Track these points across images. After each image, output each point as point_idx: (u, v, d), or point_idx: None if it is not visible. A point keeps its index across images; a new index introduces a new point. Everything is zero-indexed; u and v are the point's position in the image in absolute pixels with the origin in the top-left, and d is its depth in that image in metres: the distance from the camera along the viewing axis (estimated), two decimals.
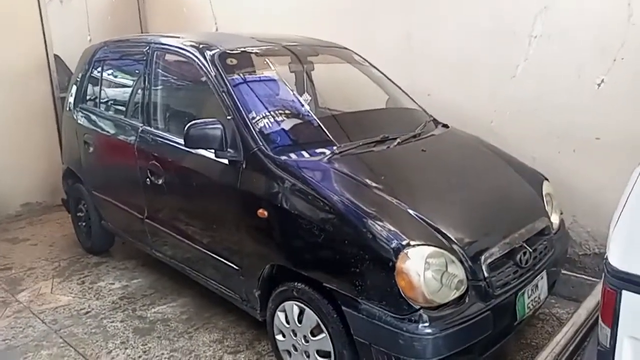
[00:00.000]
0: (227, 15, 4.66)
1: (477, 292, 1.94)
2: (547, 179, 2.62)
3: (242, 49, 2.77)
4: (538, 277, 2.21)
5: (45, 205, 4.86)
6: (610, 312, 1.27)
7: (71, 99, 3.79)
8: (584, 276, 3.00)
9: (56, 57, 4.86)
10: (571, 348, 1.82)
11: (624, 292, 1.24)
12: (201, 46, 2.70)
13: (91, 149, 3.47)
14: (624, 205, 1.31)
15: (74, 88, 3.79)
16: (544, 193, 2.50)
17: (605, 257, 1.31)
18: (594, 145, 2.85)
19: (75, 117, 3.69)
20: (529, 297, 2.16)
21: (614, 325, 1.27)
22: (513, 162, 2.68)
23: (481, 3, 3.16)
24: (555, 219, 2.48)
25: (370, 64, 3.21)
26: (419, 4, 3.43)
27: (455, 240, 1.96)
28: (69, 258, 3.80)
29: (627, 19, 2.65)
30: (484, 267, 1.96)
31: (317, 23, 3.92)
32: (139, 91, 3.11)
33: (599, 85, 2.80)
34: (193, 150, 2.51)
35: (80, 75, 3.75)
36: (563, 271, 2.73)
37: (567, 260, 2.88)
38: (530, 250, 2.14)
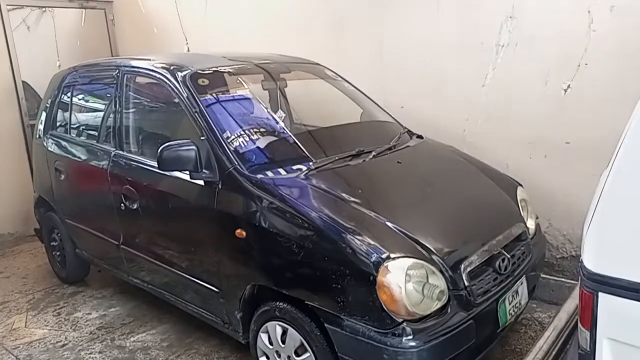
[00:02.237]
0: (198, 35, 4.65)
1: (458, 302, 1.94)
2: (521, 185, 2.66)
3: (214, 69, 2.76)
4: (518, 282, 2.23)
5: (18, 235, 4.72)
6: (588, 314, 1.28)
7: (41, 126, 3.72)
8: (562, 279, 3.04)
9: (25, 83, 4.77)
10: (554, 352, 1.83)
11: (600, 294, 1.25)
12: (172, 67, 2.68)
13: (62, 176, 3.39)
14: (595, 209, 1.33)
15: (44, 115, 3.71)
16: (518, 199, 2.54)
17: (580, 260, 1.33)
18: (564, 149, 2.91)
19: (45, 144, 3.61)
20: (510, 304, 2.17)
21: (592, 327, 1.28)
22: (487, 169, 2.71)
23: (450, 15, 3.22)
24: (531, 224, 2.51)
25: (343, 79, 3.24)
26: (389, 19, 3.49)
27: (435, 251, 1.97)
28: (44, 289, 3.68)
29: (587, 26, 2.74)
30: (464, 276, 1.96)
31: (289, 40, 3.94)
32: (111, 115, 3.07)
33: (565, 90, 2.87)
34: (167, 173, 2.48)
35: (49, 102, 3.68)
36: (542, 275, 2.76)
37: (545, 264, 2.91)
38: (509, 256, 2.15)
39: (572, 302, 2.08)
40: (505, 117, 3.10)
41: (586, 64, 2.78)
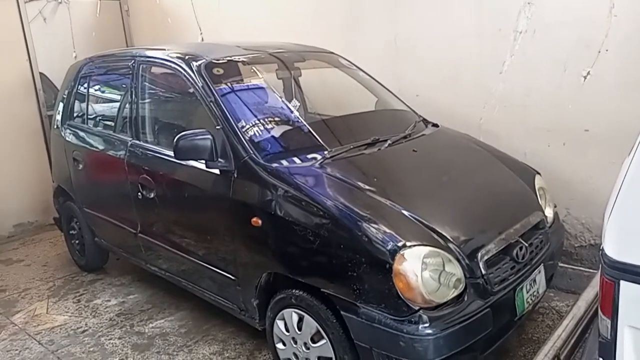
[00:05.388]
0: (212, 24, 4.65)
1: (475, 290, 1.93)
2: (539, 173, 2.62)
3: (228, 58, 2.76)
4: (535, 271, 2.21)
5: (38, 224, 4.81)
6: (609, 303, 1.27)
7: (58, 117, 3.77)
8: (581, 268, 3.01)
9: (42, 75, 4.83)
10: (572, 341, 1.82)
11: (621, 282, 1.23)
12: (187, 57, 2.69)
13: (81, 166, 3.44)
14: (617, 196, 1.31)
15: (61, 105, 3.76)
16: (536, 187, 2.51)
17: (601, 248, 1.31)
18: (583, 137, 2.86)
19: (63, 134, 3.66)
20: (527, 292, 2.16)
21: (613, 315, 1.26)
22: (504, 158, 2.68)
23: (466, 1, 3.17)
24: (549, 212, 2.48)
25: (358, 67, 3.21)
26: (404, 6, 3.44)
27: (451, 239, 1.96)
28: (64, 277, 3.75)
29: (608, 11, 2.67)
30: (481, 265, 1.95)
31: (303, 29, 3.92)
32: (127, 105, 3.09)
33: (585, 77, 2.82)
34: (183, 162, 2.50)
35: (66, 92, 3.72)
36: (560, 264, 2.73)
37: (564, 252, 2.88)
38: (526, 245, 2.13)
39: (591, 291, 2.05)
40: (523, 104, 3.05)
41: (607, 50, 2.72)
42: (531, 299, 2.19)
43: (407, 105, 3.07)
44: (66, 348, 2.82)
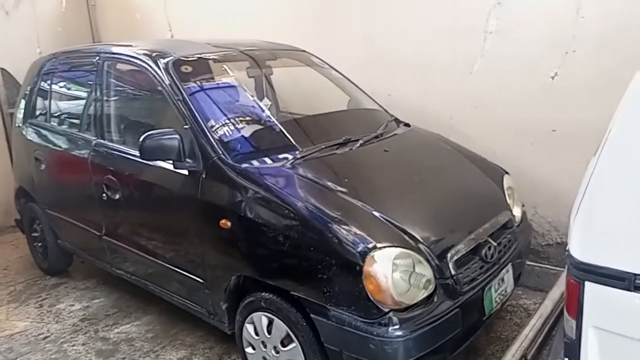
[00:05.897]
0: (182, 21, 4.56)
1: (445, 291, 1.93)
2: (507, 173, 2.65)
3: (198, 56, 2.70)
4: (504, 270, 2.23)
5: None
6: (574, 303, 1.28)
7: (20, 115, 3.63)
8: (548, 266, 3.06)
9: (3, 71, 4.65)
10: (540, 340, 1.84)
11: (586, 283, 1.24)
12: (154, 54, 2.61)
13: (43, 166, 3.31)
14: (582, 197, 1.32)
15: (23, 103, 3.62)
16: (505, 187, 2.53)
17: (566, 249, 1.32)
18: (550, 137, 2.91)
19: (25, 133, 3.52)
20: (496, 291, 2.17)
21: (578, 316, 1.27)
22: (474, 157, 2.70)
23: (438, 2, 3.18)
24: (517, 211, 2.51)
25: (330, 66, 3.19)
26: (378, 6, 3.43)
27: (421, 240, 1.95)
28: (25, 281, 3.61)
29: (576, 12, 2.72)
30: (450, 265, 1.96)
31: (276, 28, 3.87)
32: (91, 103, 2.99)
33: (552, 78, 2.86)
34: (150, 163, 2.42)
35: (28, 89, 3.59)
36: (528, 262, 2.77)
37: (531, 251, 2.93)
38: (495, 244, 2.15)
39: (557, 290, 2.08)
40: (492, 104, 3.08)
41: (574, 51, 2.77)
42: (499, 298, 2.21)
43: (379, 105, 3.06)
44: (26, 356, 2.71)
